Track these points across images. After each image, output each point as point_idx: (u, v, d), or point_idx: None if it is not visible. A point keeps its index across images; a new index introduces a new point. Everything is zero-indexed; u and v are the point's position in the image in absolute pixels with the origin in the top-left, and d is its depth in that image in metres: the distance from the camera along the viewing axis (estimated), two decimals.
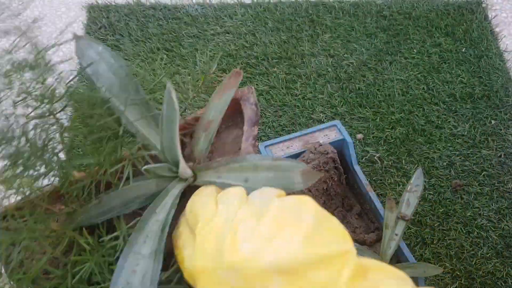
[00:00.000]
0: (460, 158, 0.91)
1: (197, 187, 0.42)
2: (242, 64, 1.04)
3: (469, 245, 0.82)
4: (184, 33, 1.09)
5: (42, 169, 0.36)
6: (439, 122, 0.96)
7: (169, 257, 0.39)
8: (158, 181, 0.43)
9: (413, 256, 0.67)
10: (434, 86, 1.01)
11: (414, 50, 1.07)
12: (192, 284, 0.36)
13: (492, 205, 0.86)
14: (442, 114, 0.97)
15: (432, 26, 1.10)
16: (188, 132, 0.48)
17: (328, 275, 0.31)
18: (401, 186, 0.87)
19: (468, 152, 0.92)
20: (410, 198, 0.68)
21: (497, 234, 0.83)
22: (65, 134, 0.37)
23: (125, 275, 0.37)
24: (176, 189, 0.42)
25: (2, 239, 0.33)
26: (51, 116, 0.37)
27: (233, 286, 0.32)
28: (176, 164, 0.42)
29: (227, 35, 1.09)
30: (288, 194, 0.36)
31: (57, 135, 0.37)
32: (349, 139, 0.74)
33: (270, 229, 0.33)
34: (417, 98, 0.99)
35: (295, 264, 0.31)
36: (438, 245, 0.82)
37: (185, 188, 0.43)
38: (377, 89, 1.00)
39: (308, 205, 0.34)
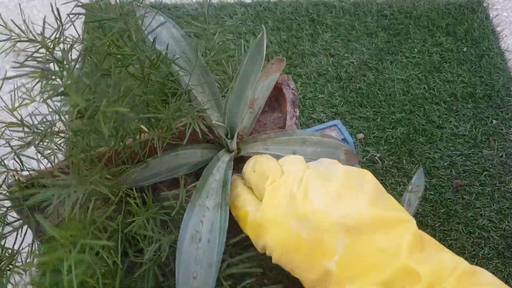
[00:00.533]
0: (461, 158, 0.91)
1: (238, 160, 0.45)
2: None
3: (470, 245, 0.81)
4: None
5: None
6: (440, 122, 0.95)
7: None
8: (203, 152, 0.46)
9: None
10: (435, 85, 1.00)
11: (415, 50, 1.06)
12: (256, 238, 0.37)
13: (493, 205, 0.85)
14: (443, 114, 0.96)
15: (433, 25, 1.10)
16: None
17: (391, 239, 0.32)
18: (402, 186, 0.87)
19: (469, 152, 0.91)
20: (411, 199, 0.68)
21: (498, 235, 0.82)
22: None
23: (193, 223, 0.39)
24: (226, 157, 0.45)
25: (73, 183, 0.33)
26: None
27: (302, 236, 0.34)
28: (233, 131, 0.45)
29: (227, 34, 1.09)
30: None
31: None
32: (349, 139, 0.73)
33: (338, 189, 0.34)
34: (418, 98, 0.98)
35: (361, 223, 0.33)
36: None
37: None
38: (378, 89, 1.00)
39: (369, 176, 0.37)
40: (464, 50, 1.06)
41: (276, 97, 0.52)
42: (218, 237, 0.38)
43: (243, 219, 0.38)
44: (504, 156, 0.91)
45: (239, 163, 0.45)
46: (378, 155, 0.91)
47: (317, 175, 0.36)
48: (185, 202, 0.40)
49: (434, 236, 0.82)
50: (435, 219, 0.84)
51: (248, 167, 0.41)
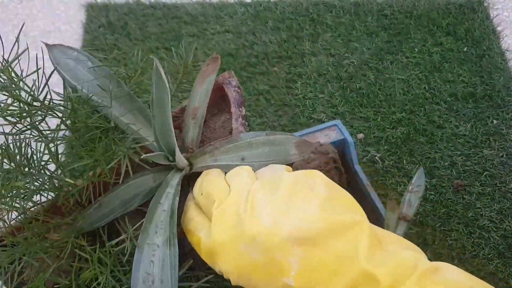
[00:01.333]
0: (461, 158, 0.90)
1: (194, 176, 0.43)
2: (242, 63, 1.03)
3: (470, 245, 0.81)
4: (184, 32, 1.09)
5: (34, 185, 0.36)
6: (441, 122, 0.95)
7: (181, 245, 0.40)
8: (155, 176, 0.44)
9: None
10: (435, 85, 1.00)
11: (415, 49, 1.06)
12: (211, 263, 0.37)
13: (494, 205, 0.85)
14: (444, 114, 0.96)
15: (434, 25, 1.10)
16: (176, 124, 0.48)
17: (346, 243, 0.31)
18: (402, 186, 0.87)
19: (469, 152, 0.91)
20: (411, 199, 0.68)
21: (499, 235, 0.82)
22: (51, 144, 0.36)
23: (144, 266, 0.38)
24: (175, 179, 0.43)
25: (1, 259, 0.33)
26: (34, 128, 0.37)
27: (254, 258, 0.33)
28: (172, 152, 0.43)
29: (227, 34, 1.08)
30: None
31: (42, 146, 0.36)
32: (350, 139, 0.73)
33: (286, 200, 0.33)
34: (418, 98, 0.98)
35: (313, 233, 0.31)
36: (440, 246, 0.81)
37: (183, 178, 0.43)
38: (378, 89, 0.99)
39: (318, 177, 0.35)
40: (465, 50, 1.06)
41: (222, 97, 0.50)
42: (170, 275, 0.37)
43: (197, 245, 0.38)
44: (504, 156, 0.91)
45: (194, 179, 0.44)
46: (379, 155, 0.91)
47: (264, 187, 0.35)
48: (136, 241, 0.39)
49: (434, 236, 0.82)
50: (436, 219, 0.84)
51: (196, 188, 0.40)
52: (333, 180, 0.79)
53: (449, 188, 0.87)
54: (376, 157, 0.90)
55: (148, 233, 0.39)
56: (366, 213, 0.78)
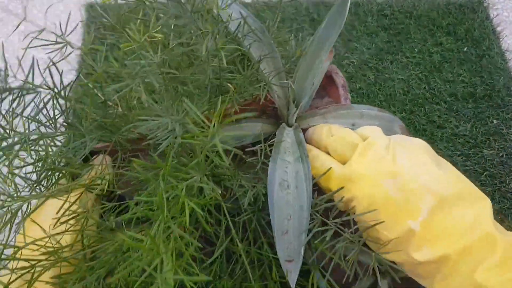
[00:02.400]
0: (461, 158, 0.90)
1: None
2: None
3: None
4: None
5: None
6: (441, 122, 0.95)
7: None
8: (263, 126, 0.49)
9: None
10: (435, 85, 1.00)
11: (415, 49, 1.06)
12: (341, 190, 0.40)
13: (494, 205, 0.85)
14: (444, 114, 0.96)
15: (434, 25, 1.10)
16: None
17: (474, 211, 0.34)
18: None
19: (469, 152, 0.91)
20: None
21: None
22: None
23: (279, 173, 0.42)
24: (288, 128, 0.48)
25: None
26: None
27: (390, 193, 0.36)
28: (299, 100, 0.48)
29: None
30: None
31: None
32: None
33: (423, 158, 0.37)
34: (418, 98, 0.98)
35: (447, 191, 0.34)
36: None
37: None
38: (378, 89, 0.99)
39: (441, 159, 0.39)
40: (465, 50, 1.06)
41: (323, 86, 0.54)
42: (305, 183, 0.41)
43: (327, 175, 0.41)
44: (504, 156, 0.91)
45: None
46: None
47: (400, 144, 0.39)
48: (264, 159, 0.43)
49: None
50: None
51: (322, 133, 0.44)
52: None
53: None
54: None
55: (279, 151, 0.43)
56: None
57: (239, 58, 0.46)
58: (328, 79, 0.53)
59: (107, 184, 0.42)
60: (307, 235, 0.39)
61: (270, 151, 0.44)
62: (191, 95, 0.38)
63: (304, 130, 0.48)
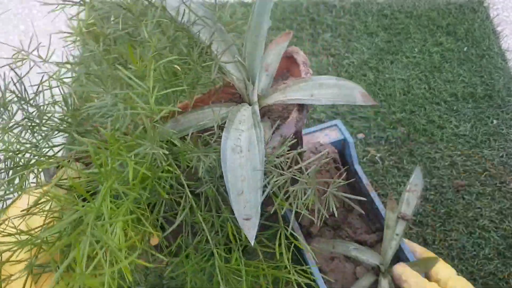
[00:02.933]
0: (461, 158, 0.90)
1: (263, 112, 0.50)
2: None
3: (470, 245, 0.81)
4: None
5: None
6: (441, 122, 0.95)
7: None
8: (227, 108, 0.49)
9: (414, 256, 0.66)
10: (435, 85, 1.00)
11: (415, 49, 1.06)
12: None
13: (494, 205, 0.85)
14: (444, 114, 0.96)
15: (434, 25, 1.10)
16: None
17: None
18: (402, 186, 0.87)
19: (469, 152, 0.91)
20: (410, 198, 0.68)
21: (499, 235, 0.82)
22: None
23: (231, 140, 0.43)
24: (247, 106, 0.49)
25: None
26: None
27: None
28: (254, 75, 0.49)
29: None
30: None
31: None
32: (350, 139, 0.73)
33: None
34: (418, 98, 0.98)
35: None
36: (440, 246, 0.81)
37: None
38: (378, 89, 0.99)
39: None
40: (465, 50, 1.06)
41: (287, 68, 0.56)
42: (258, 146, 0.42)
43: None
44: (504, 156, 0.91)
45: (261, 116, 0.49)
46: (379, 155, 0.91)
47: None
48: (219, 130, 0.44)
49: (434, 236, 0.82)
50: (436, 219, 0.84)
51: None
52: (333, 179, 0.80)
53: (449, 188, 0.87)
54: (376, 157, 0.90)
55: (233, 122, 0.45)
56: (366, 213, 0.78)
57: (190, 46, 0.47)
58: (290, 60, 0.54)
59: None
60: (266, 191, 0.41)
61: None
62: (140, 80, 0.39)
63: (265, 108, 0.49)
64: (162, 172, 0.37)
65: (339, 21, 1.10)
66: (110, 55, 0.39)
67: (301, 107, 0.48)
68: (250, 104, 0.49)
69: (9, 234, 0.35)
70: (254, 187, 0.40)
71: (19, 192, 0.40)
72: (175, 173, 0.41)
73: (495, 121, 0.95)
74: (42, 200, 0.38)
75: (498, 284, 0.78)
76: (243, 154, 0.42)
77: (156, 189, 0.37)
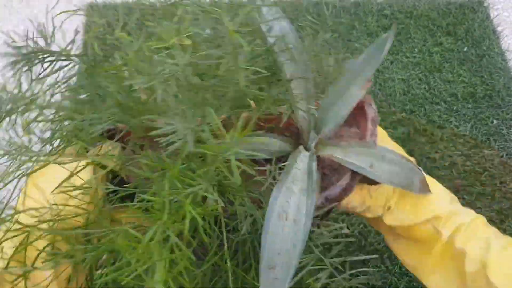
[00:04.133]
0: (461, 158, 0.90)
1: (317, 159, 0.48)
2: None
3: None
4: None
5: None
6: (441, 122, 0.95)
7: None
8: (280, 143, 0.48)
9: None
10: (435, 85, 1.00)
11: (415, 49, 1.06)
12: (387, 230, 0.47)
13: (494, 205, 0.85)
14: (444, 114, 0.96)
15: (434, 25, 1.10)
16: None
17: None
18: None
19: (469, 152, 0.91)
20: None
21: None
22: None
23: (281, 202, 0.41)
24: (305, 152, 0.47)
25: None
26: None
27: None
28: (320, 128, 0.48)
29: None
30: (404, 191, 0.46)
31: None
32: None
33: None
34: (418, 98, 0.98)
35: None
36: None
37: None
38: (378, 89, 0.99)
39: None
40: (465, 50, 1.06)
41: (353, 115, 0.53)
42: (304, 219, 0.40)
43: (377, 219, 0.48)
44: (504, 156, 0.91)
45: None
46: None
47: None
48: (272, 180, 0.43)
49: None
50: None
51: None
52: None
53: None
54: None
55: (287, 178, 0.43)
56: None
57: (270, 72, 0.45)
58: (360, 109, 0.52)
59: (115, 165, 0.42)
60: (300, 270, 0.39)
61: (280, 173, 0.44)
62: (210, 103, 0.38)
63: (320, 158, 0.47)
64: (210, 213, 0.36)
65: (339, 21, 1.10)
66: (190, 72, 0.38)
67: (355, 174, 0.46)
68: (306, 148, 0.48)
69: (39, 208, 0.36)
70: (288, 265, 0.38)
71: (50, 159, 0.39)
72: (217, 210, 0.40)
73: (495, 121, 0.95)
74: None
75: None
76: (288, 223, 0.40)
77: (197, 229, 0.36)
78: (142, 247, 0.30)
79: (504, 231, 0.82)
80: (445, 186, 0.81)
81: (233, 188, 0.41)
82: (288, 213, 0.41)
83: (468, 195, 0.86)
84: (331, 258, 0.40)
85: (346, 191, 0.45)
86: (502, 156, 0.91)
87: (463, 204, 0.85)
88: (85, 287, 0.40)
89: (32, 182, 0.39)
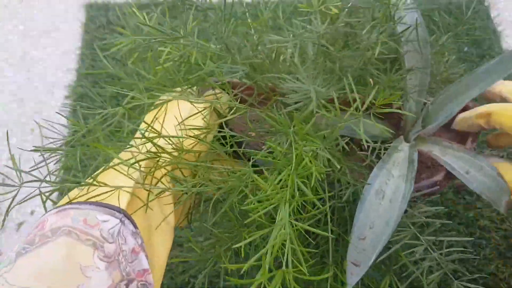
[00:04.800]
0: None
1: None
2: None
3: (471, 246, 0.81)
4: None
5: None
6: None
7: None
8: (382, 129, 0.48)
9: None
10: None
11: None
12: None
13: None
14: None
15: (434, 25, 1.09)
16: None
17: None
18: None
19: None
20: None
21: (499, 235, 0.82)
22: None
23: (380, 181, 0.43)
24: (405, 144, 0.48)
25: None
26: None
27: None
28: (424, 123, 0.48)
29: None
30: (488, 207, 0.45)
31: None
32: None
33: None
34: None
35: None
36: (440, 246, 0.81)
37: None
38: None
39: None
40: (465, 49, 1.05)
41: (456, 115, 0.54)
42: (401, 201, 0.41)
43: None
44: (505, 156, 0.91)
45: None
46: None
47: None
48: (372, 160, 0.44)
49: (434, 236, 0.81)
50: (436, 220, 0.83)
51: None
52: None
53: (450, 188, 0.87)
54: None
55: (388, 162, 0.44)
56: None
57: (391, 59, 0.47)
58: (463, 111, 0.52)
59: (229, 110, 0.45)
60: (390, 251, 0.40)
61: (378, 157, 0.45)
62: (335, 73, 0.40)
63: (419, 152, 0.47)
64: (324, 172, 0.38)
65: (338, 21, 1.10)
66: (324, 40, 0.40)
67: (450, 175, 0.46)
68: (406, 139, 0.48)
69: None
70: (377, 240, 0.40)
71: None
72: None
73: None
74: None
75: (498, 285, 0.77)
76: (383, 202, 0.41)
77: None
78: (270, 186, 0.33)
79: (504, 231, 0.82)
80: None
81: (339, 158, 0.42)
82: (386, 193, 0.42)
83: (468, 195, 0.86)
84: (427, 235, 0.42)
85: (437, 188, 0.47)
86: (502, 156, 0.90)
87: (463, 204, 0.84)
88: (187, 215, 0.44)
89: (152, 116, 0.42)
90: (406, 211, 0.44)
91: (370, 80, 0.43)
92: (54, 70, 1.05)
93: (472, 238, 0.54)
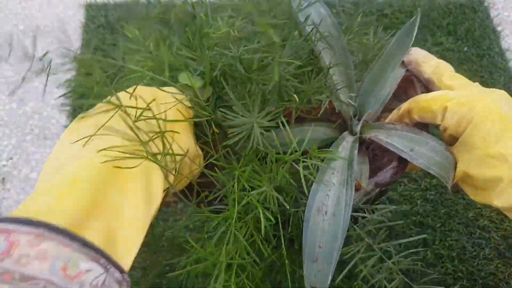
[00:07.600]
0: None
1: (362, 141, 0.49)
2: None
3: (471, 246, 0.81)
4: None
5: None
6: None
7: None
8: (326, 130, 0.49)
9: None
10: None
11: None
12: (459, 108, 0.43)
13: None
14: None
15: (434, 24, 1.09)
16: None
17: None
18: (402, 186, 0.87)
19: None
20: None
21: (499, 235, 0.82)
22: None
23: (319, 197, 0.42)
24: (350, 138, 0.48)
25: None
26: None
27: (503, 108, 0.41)
28: (363, 112, 0.48)
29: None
30: (439, 181, 0.45)
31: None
32: None
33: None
34: None
35: None
36: (440, 246, 0.81)
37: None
38: None
39: None
40: (465, 49, 1.05)
41: (404, 89, 0.53)
42: (344, 211, 0.40)
43: (432, 97, 0.45)
44: None
45: (359, 144, 0.49)
46: None
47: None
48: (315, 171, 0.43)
49: (434, 236, 0.82)
50: (436, 219, 0.84)
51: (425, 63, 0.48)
52: None
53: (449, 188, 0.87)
54: None
55: (326, 172, 0.43)
56: None
57: (309, 61, 0.46)
58: (409, 83, 0.52)
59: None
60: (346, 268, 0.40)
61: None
62: (255, 96, 0.40)
63: (367, 140, 0.47)
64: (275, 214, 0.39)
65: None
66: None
67: (402, 158, 0.46)
68: (352, 132, 0.48)
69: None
70: (329, 258, 0.39)
71: None
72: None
73: None
74: None
75: (498, 285, 0.77)
76: (327, 217, 0.41)
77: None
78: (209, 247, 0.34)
79: (504, 231, 0.82)
80: (445, 186, 0.81)
81: (287, 187, 0.42)
82: (328, 207, 0.41)
83: (468, 195, 0.86)
84: (379, 244, 0.41)
85: (395, 174, 0.45)
86: None
87: (463, 204, 0.84)
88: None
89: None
90: (357, 220, 0.43)
91: (294, 96, 0.43)
92: (54, 70, 1.05)
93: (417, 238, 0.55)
